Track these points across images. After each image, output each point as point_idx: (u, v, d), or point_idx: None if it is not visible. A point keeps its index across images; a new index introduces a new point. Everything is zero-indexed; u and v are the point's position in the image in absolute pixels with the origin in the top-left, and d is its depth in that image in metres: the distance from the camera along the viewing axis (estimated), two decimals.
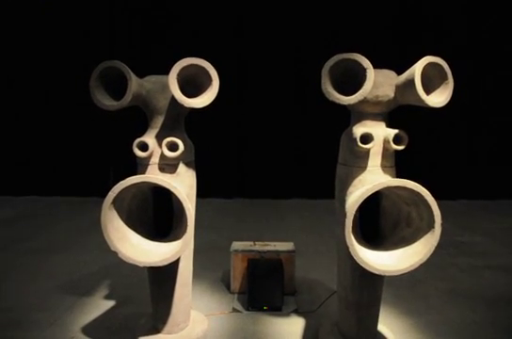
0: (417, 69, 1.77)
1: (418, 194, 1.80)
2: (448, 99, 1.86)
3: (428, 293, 3.18)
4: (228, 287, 3.19)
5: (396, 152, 2.04)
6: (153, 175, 2.05)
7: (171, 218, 2.25)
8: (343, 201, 2.08)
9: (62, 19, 6.47)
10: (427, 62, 1.79)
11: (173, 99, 2.00)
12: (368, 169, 2.03)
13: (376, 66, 1.91)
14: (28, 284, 3.26)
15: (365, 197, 1.79)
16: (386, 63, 2.13)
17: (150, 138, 2.13)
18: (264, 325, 2.68)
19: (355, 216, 1.83)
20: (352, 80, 1.94)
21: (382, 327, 2.43)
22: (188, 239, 1.96)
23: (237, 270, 3.09)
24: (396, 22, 6.40)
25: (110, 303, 2.95)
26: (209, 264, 3.62)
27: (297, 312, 2.84)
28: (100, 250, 3.94)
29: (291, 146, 6.72)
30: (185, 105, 1.96)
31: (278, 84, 6.54)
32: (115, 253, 1.93)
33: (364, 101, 1.95)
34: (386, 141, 2.00)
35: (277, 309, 2.84)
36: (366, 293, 2.17)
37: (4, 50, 6.60)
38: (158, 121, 2.18)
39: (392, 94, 2.01)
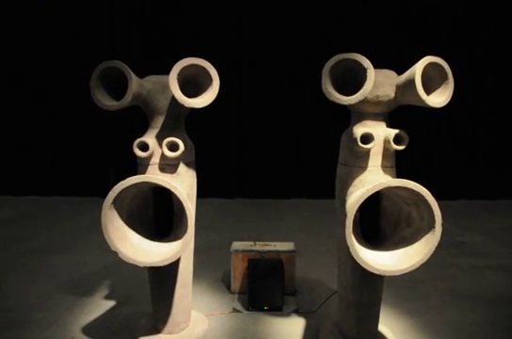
0: (417, 69, 1.77)
1: (418, 194, 1.80)
2: (448, 99, 1.86)
3: (429, 293, 3.18)
4: (228, 287, 3.19)
5: (397, 152, 2.04)
6: (154, 175, 2.05)
7: (172, 219, 2.25)
8: (343, 202, 2.08)
9: (62, 19, 6.47)
10: (428, 62, 1.79)
11: (174, 99, 2.00)
12: (368, 169, 2.03)
13: (376, 66, 1.90)
14: (28, 284, 3.26)
15: (366, 197, 1.79)
16: (386, 63, 2.13)
17: (150, 138, 2.13)
18: (264, 325, 2.68)
19: (355, 216, 1.83)
20: (352, 80, 1.94)
21: (382, 327, 2.43)
22: (189, 239, 1.96)
23: (237, 270, 3.09)
24: (396, 22, 6.40)
25: (110, 303, 2.95)
26: (209, 264, 3.62)
27: (298, 312, 2.84)
28: (100, 249, 3.94)
29: (291, 146, 6.72)
30: (186, 105, 1.96)
31: (278, 84, 6.53)
32: (115, 253, 1.93)
33: (365, 101, 1.94)
34: (386, 141, 1.99)
35: (277, 309, 2.84)
36: (366, 293, 2.17)
37: (4, 50, 6.60)
38: (158, 121, 2.18)
39: (392, 94, 2.01)
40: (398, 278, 1.96)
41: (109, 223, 1.93)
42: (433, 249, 1.83)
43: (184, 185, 2.18)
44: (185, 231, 1.95)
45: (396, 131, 1.98)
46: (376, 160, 2.03)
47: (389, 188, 1.82)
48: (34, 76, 6.60)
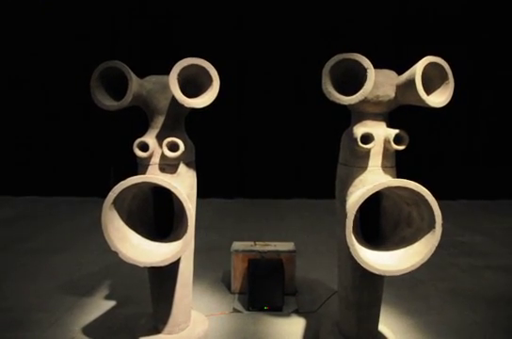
0: (418, 69, 1.77)
1: (418, 194, 1.80)
2: (448, 99, 1.86)
3: (429, 293, 3.18)
4: (228, 287, 3.19)
5: (397, 152, 2.04)
6: (154, 175, 2.05)
7: (172, 219, 2.25)
8: (343, 202, 2.08)
9: (63, 19, 6.47)
10: (428, 62, 1.79)
11: (174, 99, 2.00)
12: (369, 169, 2.03)
13: (376, 66, 1.90)
14: (28, 284, 3.26)
15: (366, 197, 1.79)
16: (386, 63, 2.13)
17: (150, 139, 2.13)
18: (264, 325, 2.68)
19: (355, 216, 1.83)
20: (353, 80, 1.94)
21: (383, 327, 2.43)
22: (189, 239, 1.96)
23: (238, 270, 3.09)
24: (396, 22, 6.40)
25: (111, 303, 2.95)
26: (209, 264, 3.62)
27: (298, 312, 2.84)
28: (100, 250, 3.95)
29: (291, 146, 6.72)
30: (186, 106, 1.96)
31: (278, 84, 6.54)
32: (115, 253, 1.93)
33: (365, 101, 1.94)
34: (386, 141, 1.99)
35: (277, 309, 2.84)
36: (367, 293, 2.17)
37: (4, 50, 6.59)
38: (159, 122, 2.18)
39: (392, 94, 2.01)
40: (398, 278, 1.96)
41: (109, 223, 1.93)
42: (433, 249, 1.83)
43: (184, 185, 2.18)
44: (186, 231, 1.95)
45: (396, 131, 1.98)
46: (376, 160, 2.03)
47: (389, 188, 1.82)
48: (34, 76, 6.60)
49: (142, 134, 2.19)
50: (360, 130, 1.97)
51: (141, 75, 2.17)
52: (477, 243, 4.46)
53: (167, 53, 6.20)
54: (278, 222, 5.31)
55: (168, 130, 2.17)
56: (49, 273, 3.50)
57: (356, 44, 5.57)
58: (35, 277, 3.42)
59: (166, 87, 2.02)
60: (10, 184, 6.73)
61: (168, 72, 1.93)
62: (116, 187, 1.90)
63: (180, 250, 1.95)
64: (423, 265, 1.84)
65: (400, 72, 2.03)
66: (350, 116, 2.20)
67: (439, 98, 1.86)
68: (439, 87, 1.88)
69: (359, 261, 1.80)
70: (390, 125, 2.09)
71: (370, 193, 1.79)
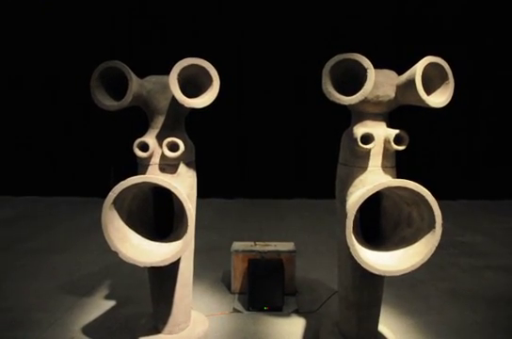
0: (418, 69, 1.77)
1: (419, 194, 1.80)
2: (449, 99, 1.86)
3: (429, 293, 3.18)
4: (228, 287, 3.19)
5: (397, 152, 2.04)
6: (154, 175, 2.05)
7: (172, 219, 2.25)
8: (343, 202, 2.08)
9: (63, 19, 6.47)
10: (428, 62, 1.79)
11: (174, 99, 2.00)
12: (369, 169, 2.03)
13: (376, 66, 1.90)
14: (28, 284, 3.26)
15: (366, 197, 1.79)
16: (386, 63, 2.13)
17: (150, 139, 2.13)
18: (264, 325, 2.68)
19: (355, 216, 1.83)
20: (353, 80, 1.94)
21: (383, 327, 2.43)
22: (189, 239, 1.96)
23: (238, 270, 3.09)
24: (396, 22, 6.40)
25: (111, 303, 2.95)
26: (209, 264, 3.62)
27: (298, 312, 2.84)
28: (100, 250, 3.95)
29: (291, 146, 6.73)
30: (186, 106, 1.96)
31: (278, 84, 6.54)
32: (115, 253, 1.93)
33: (365, 101, 1.94)
34: (387, 141, 1.99)
35: (277, 309, 2.84)
36: (367, 293, 2.17)
37: (5, 50, 6.60)
38: (159, 122, 2.18)
39: (392, 94, 2.01)
40: (398, 278, 1.96)
41: (109, 223, 1.93)
42: (433, 249, 1.83)
43: (184, 185, 2.18)
44: (186, 231, 1.95)
45: (397, 131, 1.98)
46: (376, 160, 2.03)
47: (389, 188, 1.82)
48: (34, 76, 6.61)
49: (142, 134, 2.19)
50: (360, 130, 1.97)
51: (141, 75, 2.17)
52: (477, 243, 4.46)
53: (167, 53, 6.20)
54: (278, 222, 5.31)
55: (168, 130, 2.17)
56: (49, 273, 3.50)
57: (356, 44, 5.58)
58: (35, 277, 3.42)
59: (166, 87, 2.02)
60: (11, 184, 6.73)
61: (168, 72, 1.93)
62: (116, 187, 1.90)
63: (180, 250, 1.95)
64: (423, 265, 1.84)
65: (400, 73, 2.03)
66: (350, 116, 2.20)
67: (439, 98, 1.86)
68: (439, 87, 1.88)
69: (359, 261, 1.80)
70: (390, 125, 2.09)
71: (370, 193, 1.79)
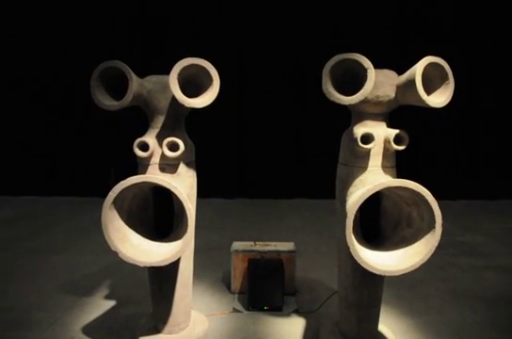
0: (418, 69, 1.77)
1: (418, 194, 1.80)
2: (449, 99, 1.86)
3: (429, 293, 3.18)
4: (228, 287, 3.19)
5: (397, 152, 2.04)
6: (154, 175, 2.05)
7: (172, 219, 2.25)
8: (343, 202, 2.08)
9: (63, 19, 6.47)
10: (428, 62, 1.79)
11: (174, 99, 2.00)
12: (369, 169, 2.03)
13: (376, 66, 1.90)
14: (29, 284, 3.26)
15: (366, 197, 1.79)
16: (387, 63, 2.13)
17: (150, 138, 2.13)
18: (264, 325, 2.68)
19: (355, 216, 1.83)
20: (353, 80, 1.94)
21: (383, 327, 2.43)
22: (189, 239, 1.96)
23: (238, 270, 3.09)
24: (396, 22, 6.41)
25: (111, 303, 2.95)
26: (209, 264, 3.62)
27: (298, 312, 2.84)
28: (100, 250, 3.95)
29: (291, 146, 6.73)
30: (186, 105, 1.96)
31: (278, 84, 6.54)
32: (115, 253, 1.93)
33: (365, 101, 1.94)
34: (387, 141, 1.99)
35: (277, 309, 2.84)
36: (367, 293, 2.17)
37: (4, 49, 6.60)
38: (159, 121, 2.18)
39: (392, 94, 2.01)
40: (398, 278, 1.96)
41: (109, 223, 1.93)
42: (433, 249, 1.83)
43: (184, 185, 2.18)
44: (186, 231, 1.95)
45: (397, 131, 1.98)
46: (376, 160, 2.03)
47: (389, 188, 1.82)
48: (34, 76, 6.61)
49: (142, 134, 2.19)
50: (360, 130, 1.97)
51: (141, 75, 2.17)
52: (477, 243, 4.46)
53: (167, 53, 6.21)
54: (278, 222, 5.31)
55: (168, 130, 2.17)
56: (49, 273, 3.50)
57: (356, 44, 5.60)
58: (35, 277, 3.42)
59: (166, 86, 2.02)
60: (10, 184, 6.73)
61: (168, 72, 1.93)
62: (116, 187, 1.90)
63: (180, 250, 1.95)
64: (423, 265, 1.84)
65: (400, 73, 2.03)
66: (350, 116, 2.20)
67: (439, 98, 1.86)
68: (439, 87, 1.88)
69: (358, 261, 1.80)
70: (390, 125, 2.09)
71: (370, 193, 1.79)
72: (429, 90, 1.84)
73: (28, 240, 4.40)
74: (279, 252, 3.06)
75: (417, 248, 1.87)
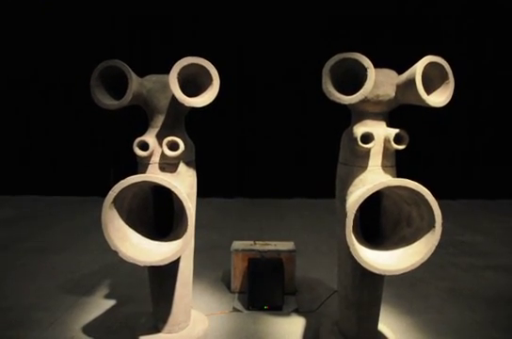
0: (418, 68, 1.77)
1: (418, 194, 1.80)
2: (449, 99, 1.86)
3: (428, 292, 3.18)
4: (228, 287, 3.19)
5: (397, 151, 2.04)
6: (154, 174, 2.05)
7: (172, 218, 2.25)
8: (343, 201, 2.08)
9: (63, 18, 6.47)
10: (428, 62, 1.79)
11: (174, 98, 2.00)
12: (369, 168, 2.03)
13: (376, 65, 1.90)
14: (28, 284, 3.26)
15: (366, 196, 1.79)
16: (387, 62, 2.13)
17: (150, 138, 2.13)
18: (264, 324, 2.68)
19: (355, 215, 1.83)
20: (353, 80, 1.94)
21: (382, 326, 2.43)
22: (189, 239, 1.96)
23: (238, 270, 3.09)
24: (396, 21, 6.40)
25: (111, 303, 2.96)
26: (209, 263, 3.62)
27: (298, 311, 2.84)
28: (100, 249, 3.95)
29: (291, 145, 6.73)
30: (186, 105, 1.96)
31: (278, 83, 6.54)
32: (115, 253, 1.93)
33: (365, 100, 1.94)
34: (387, 141, 1.99)
35: (277, 308, 2.84)
36: (367, 292, 2.17)
37: (4, 49, 6.60)
38: (159, 121, 2.18)
39: (392, 94, 2.01)
40: (398, 277, 1.96)
41: (109, 223, 1.93)
42: (433, 248, 1.83)
43: (184, 184, 2.18)
44: (186, 230, 1.95)
45: (396, 130, 1.98)
46: (376, 160, 2.03)
47: (389, 188, 1.82)
48: (34, 76, 6.61)
49: (142, 133, 2.19)
50: (360, 129, 1.97)
51: (141, 74, 2.17)
52: (477, 242, 4.46)
53: (167, 52, 6.20)
54: (278, 222, 5.32)
55: (167, 129, 2.17)
56: (49, 272, 3.50)
57: (356, 44, 5.59)
58: (35, 276, 3.42)
59: (166, 86, 2.02)
60: (10, 183, 6.74)
61: (168, 72, 1.93)
62: (116, 186, 1.90)
63: (180, 250, 1.95)
64: (422, 264, 1.84)
65: (400, 72, 2.03)
66: (350, 115, 2.20)
67: (439, 98, 1.86)
68: (439, 86, 1.88)
69: (358, 260, 1.80)
70: (390, 125, 2.09)
71: (370, 192, 1.79)
72: (429, 90, 1.84)
73: (28, 240, 4.41)
74: (279, 252, 3.06)
75: (417, 247, 1.87)
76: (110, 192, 1.90)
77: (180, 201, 1.95)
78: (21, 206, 6.05)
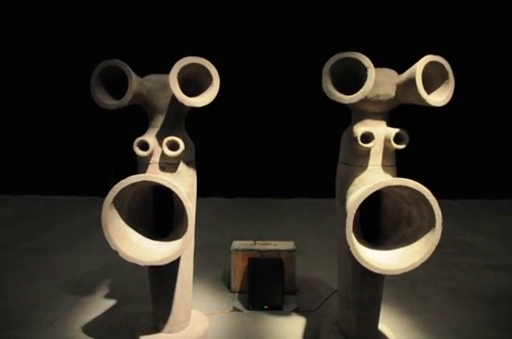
0: (418, 68, 1.77)
1: (419, 193, 1.80)
2: (449, 98, 1.85)
3: (429, 292, 3.18)
4: (228, 286, 3.19)
5: (397, 151, 2.04)
6: (154, 174, 2.05)
7: (172, 218, 2.25)
8: (343, 201, 2.08)
9: (63, 18, 6.47)
10: (428, 61, 1.78)
11: (174, 98, 2.00)
12: (369, 168, 2.03)
13: (376, 65, 1.90)
14: (28, 284, 3.26)
15: (366, 196, 1.79)
16: (387, 62, 2.12)
17: (150, 137, 2.13)
18: (264, 324, 2.68)
19: (355, 215, 1.83)
20: (353, 79, 1.94)
21: (383, 326, 2.43)
22: (189, 238, 1.96)
23: (238, 269, 3.09)
24: (397, 21, 6.40)
25: (111, 302, 2.96)
26: (210, 263, 3.62)
27: (298, 311, 2.84)
28: (100, 249, 3.95)
29: (292, 145, 6.73)
30: (186, 105, 1.96)
31: (278, 83, 6.54)
32: (115, 252, 1.93)
33: (365, 100, 1.94)
34: (387, 140, 1.99)
35: (277, 308, 2.84)
36: (367, 292, 2.17)
37: (4, 49, 6.59)
38: (159, 121, 2.18)
39: (392, 93, 2.01)
40: (398, 277, 1.96)
41: (109, 222, 1.93)
42: (433, 248, 1.83)
43: (184, 184, 2.18)
44: (186, 230, 1.95)
45: (397, 130, 1.98)
46: (376, 159, 2.03)
47: (389, 187, 1.82)
48: (34, 76, 6.61)
49: (142, 133, 2.19)
50: (360, 129, 1.97)
51: (141, 74, 2.17)
52: (477, 242, 4.46)
53: (167, 52, 6.20)
54: (278, 221, 5.32)
55: (168, 129, 2.17)
56: (49, 272, 3.50)
57: (356, 43, 5.58)
58: (35, 276, 3.42)
59: (166, 85, 2.02)
60: (11, 183, 6.74)
61: (168, 71, 1.93)
62: (116, 186, 1.90)
63: (180, 249, 1.95)
64: (423, 264, 1.84)
65: (400, 71, 2.03)
66: (350, 115, 2.19)
67: (439, 97, 1.85)
68: (439, 86, 1.87)
69: (358, 260, 1.80)
70: (390, 124, 2.09)
71: (370, 192, 1.79)
72: (429, 89, 1.84)
73: (28, 239, 4.40)
74: (279, 251, 3.06)
75: (417, 247, 1.87)
76: (110, 192, 1.90)
77: (180, 201, 1.95)
78: (21, 206, 6.05)
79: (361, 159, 2.04)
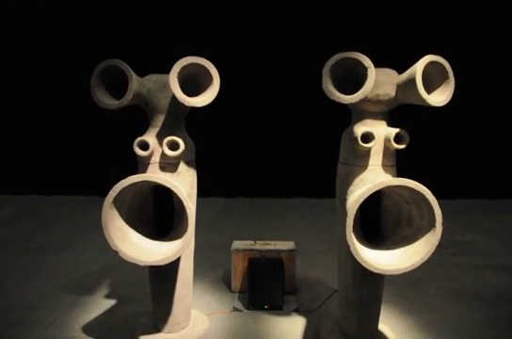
0: (418, 68, 1.77)
1: (419, 193, 1.80)
2: (449, 98, 1.85)
3: (429, 292, 3.18)
4: (228, 286, 3.19)
5: (397, 151, 2.04)
6: (154, 174, 2.05)
7: (172, 218, 2.25)
8: (343, 201, 2.08)
9: (63, 18, 6.47)
10: (429, 61, 1.78)
11: (174, 98, 2.00)
12: (369, 168, 2.03)
13: (376, 65, 1.90)
14: (29, 284, 3.26)
15: (366, 196, 1.79)
16: (387, 62, 2.12)
17: (150, 137, 2.13)
18: (264, 324, 2.68)
19: (356, 215, 1.83)
20: (353, 79, 1.94)
21: (383, 326, 2.43)
22: (189, 238, 1.96)
23: (238, 269, 3.09)
24: (396, 20, 6.40)
25: (111, 302, 2.96)
26: (210, 263, 3.62)
27: (298, 311, 2.84)
28: (100, 249, 3.95)
29: (292, 145, 6.73)
30: (186, 104, 1.96)
31: (279, 83, 6.54)
32: (116, 252, 1.93)
33: (365, 100, 1.94)
34: (387, 140, 1.99)
35: (277, 308, 2.84)
36: (367, 292, 2.17)
37: (4, 49, 6.59)
38: (159, 120, 2.18)
39: (392, 93, 2.01)
40: (398, 277, 1.96)
41: (110, 222, 1.93)
42: (433, 248, 1.83)
43: (184, 184, 2.18)
44: (186, 230, 1.95)
45: (397, 130, 1.98)
46: (376, 159, 2.03)
47: (389, 187, 1.82)
48: (35, 76, 6.61)
49: (142, 133, 2.19)
50: (360, 129, 1.97)
51: (141, 74, 2.17)
52: (477, 242, 4.46)
53: (167, 52, 6.21)
54: (278, 221, 5.32)
55: (168, 129, 2.17)
56: (49, 272, 3.51)
57: (356, 43, 5.58)
58: (35, 276, 3.42)
59: (166, 85, 2.02)
60: (11, 183, 6.73)
61: (168, 71, 1.93)
62: (116, 186, 1.90)
63: (180, 249, 1.95)
64: (423, 264, 1.84)
65: (400, 71, 2.03)
66: (350, 115, 2.19)
67: (439, 97, 1.85)
68: (439, 86, 1.87)
69: (359, 260, 1.80)
70: (390, 124, 2.09)
71: (370, 192, 1.79)
72: (430, 89, 1.84)
73: (28, 239, 4.41)
74: (279, 251, 3.06)
75: (417, 247, 1.87)
76: (110, 192, 1.90)
77: (180, 201, 1.95)
78: (21, 206, 6.05)
79: (362, 159, 2.04)
